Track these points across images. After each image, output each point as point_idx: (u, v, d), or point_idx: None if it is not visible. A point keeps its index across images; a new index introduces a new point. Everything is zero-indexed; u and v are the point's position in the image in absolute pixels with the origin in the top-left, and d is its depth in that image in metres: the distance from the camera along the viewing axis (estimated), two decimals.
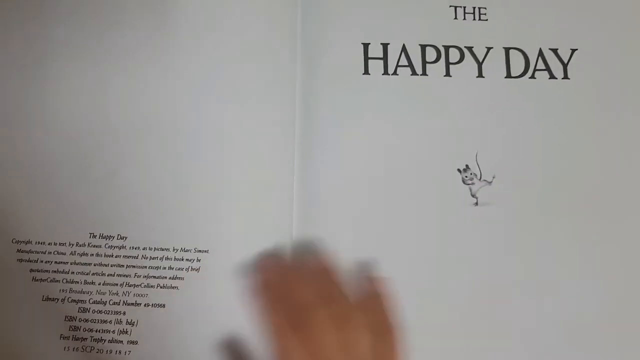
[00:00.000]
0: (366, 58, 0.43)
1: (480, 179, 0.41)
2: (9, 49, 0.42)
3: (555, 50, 0.43)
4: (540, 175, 0.41)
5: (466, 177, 0.41)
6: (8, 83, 0.41)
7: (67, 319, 0.38)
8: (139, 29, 0.42)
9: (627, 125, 0.42)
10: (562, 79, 0.43)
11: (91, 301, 0.38)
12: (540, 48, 0.43)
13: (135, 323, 0.38)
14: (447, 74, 0.43)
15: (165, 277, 0.38)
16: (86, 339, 0.37)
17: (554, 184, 0.41)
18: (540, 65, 0.43)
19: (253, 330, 0.36)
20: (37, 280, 0.38)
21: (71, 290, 0.38)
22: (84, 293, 0.38)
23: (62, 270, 0.38)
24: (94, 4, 0.43)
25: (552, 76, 0.43)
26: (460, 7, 0.44)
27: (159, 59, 0.42)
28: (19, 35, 0.42)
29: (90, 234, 0.39)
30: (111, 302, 0.38)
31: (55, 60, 0.42)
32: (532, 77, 0.43)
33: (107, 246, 0.39)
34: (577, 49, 0.43)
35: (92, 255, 0.39)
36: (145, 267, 0.38)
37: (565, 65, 0.43)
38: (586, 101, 0.42)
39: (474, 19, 0.44)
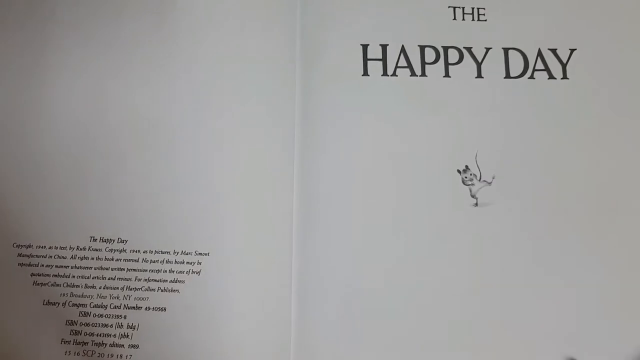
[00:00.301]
0: (365, 59, 0.43)
1: (480, 180, 0.41)
2: (6, 51, 0.42)
3: (554, 51, 0.43)
4: (540, 176, 0.41)
5: (466, 177, 0.41)
6: (8, 85, 0.41)
7: (68, 323, 0.38)
8: (138, 30, 0.42)
9: (627, 124, 0.42)
10: (561, 79, 0.43)
11: (92, 305, 0.38)
12: (539, 48, 0.43)
13: (136, 327, 0.38)
14: (447, 75, 0.43)
15: (166, 281, 0.38)
16: (87, 343, 0.37)
17: (554, 184, 0.41)
18: (539, 65, 0.43)
19: None
20: (38, 284, 0.38)
21: (72, 294, 0.38)
22: (84, 297, 0.38)
23: (62, 274, 0.38)
24: (93, 4, 0.42)
25: (551, 76, 0.43)
26: (459, 7, 0.44)
27: (158, 59, 0.42)
28: (17, 36, 0.42)
29: (91, 237, 0.39)
30: (112, 306, 0.38)
31: (53, 62, 0.42)
32: (531, 77, 0.43)
33: (107, 250, 0.39)
34: (576, 49, 0.43)
35: (92, 259, 0.39)
36: (146, 270, 0.39)
37: (564, 65, 0.43)
38: (585, 101, 0.42)
39: (473, 20, 0.43)
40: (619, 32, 0.43)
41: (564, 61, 0.43)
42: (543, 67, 0.43)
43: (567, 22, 0.44)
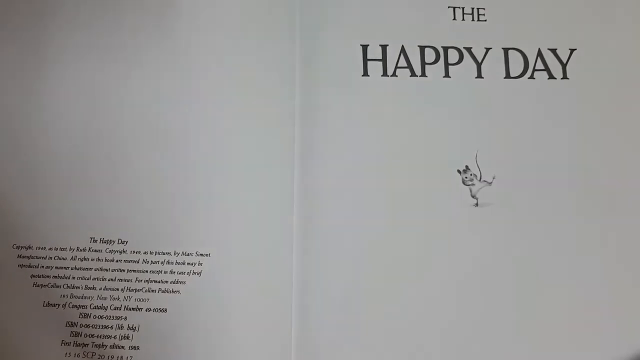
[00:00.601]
0: (365, 59, 0.43)
1: (480, 180, 0.41)
2: (8, 52, 0.42)
3: (554, 51, 0.43)
4: (541, 176, 0.41)
5: (466, 178, 0.41)
6: (8, 86, 0.41)
7: (68, 325, 0.38)
8: (138, 30, 0.42)
9: (627, 124, 0.42)
10: (562, 79, 0.43)
11: (92, 306, 0.38)
12: (539, 48, 0.43)
13: (137, 328, 0.38)
14: (447, 75, 0.43)
15: (167, 282, 0.38)
16: (87, 344, 0.37)
17: (554, 184, 0.41)
18: (540, 65, 0.43)
19: None
20: (38, 285, 0.38)
21: (72, 296, 0.38)
22: (84, 298, 0.38)
23: (62, 275, 0.38)
24: (94, 6, 0.42)
25: (551, 76, 0.43)
26: (459, 7, 0.44)
27: (158, 59, 0.42)
28: (19, 37, 0.42)
29: (91, 238, 0.39)
30: (112, 307, 0.38)
31: (54, 63, 0.41)
32: (531, 77, 0.43)
33: (107, 251, 0.39)
34: (576, 49, 0.43)
35: (92, 260, 0.38)
36: (147, 271, 0.38)
37: (564, 65, 0.43)
38: (585, 101, 0.42)
39: (473, 20, 0.43)
40: (619, 32, 0.43)
41: (564, 61, 0.43)
42: (543, 67, 0.43)
43: (567, 22, 0.44)
